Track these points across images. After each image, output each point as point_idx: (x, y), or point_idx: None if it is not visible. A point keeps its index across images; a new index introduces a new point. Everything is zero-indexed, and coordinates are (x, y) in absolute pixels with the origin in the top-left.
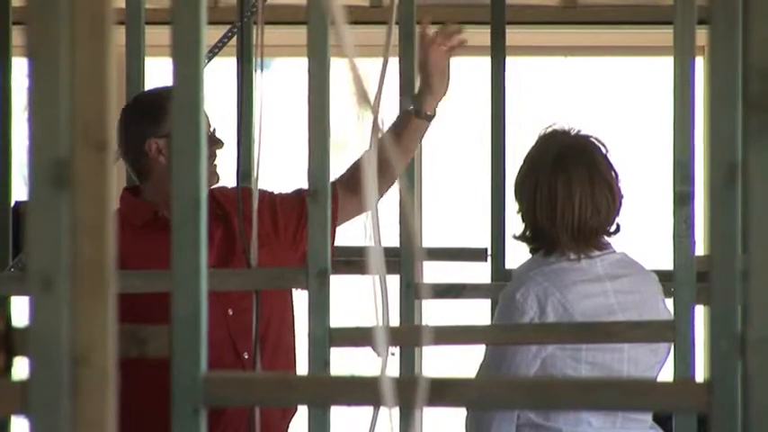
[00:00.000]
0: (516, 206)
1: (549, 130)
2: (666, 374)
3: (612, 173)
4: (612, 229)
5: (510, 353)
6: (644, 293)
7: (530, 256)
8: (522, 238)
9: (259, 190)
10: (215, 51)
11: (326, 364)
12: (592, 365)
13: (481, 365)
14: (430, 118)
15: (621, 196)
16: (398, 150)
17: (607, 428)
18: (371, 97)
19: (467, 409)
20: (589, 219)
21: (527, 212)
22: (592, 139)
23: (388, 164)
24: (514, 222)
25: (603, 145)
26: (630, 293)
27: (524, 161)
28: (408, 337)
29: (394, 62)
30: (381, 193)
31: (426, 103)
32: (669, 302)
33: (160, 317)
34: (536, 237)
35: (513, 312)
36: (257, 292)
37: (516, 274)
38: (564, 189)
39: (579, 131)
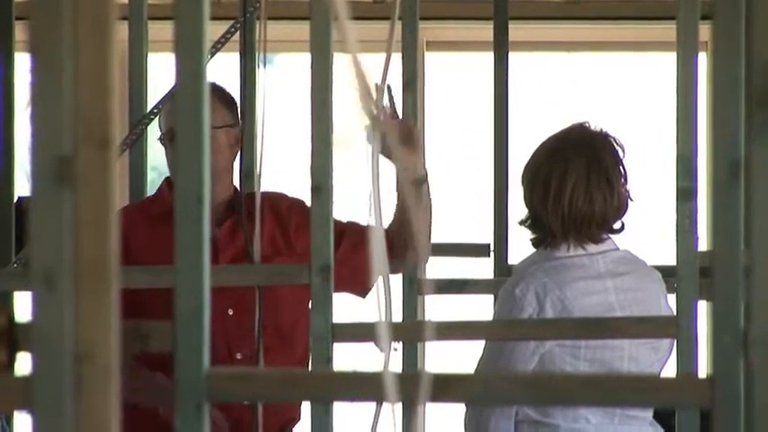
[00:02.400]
0: (525, 196)
1: (574, 124)
2: (669, 370)
3: (619, 172)
4: (616, 226)
5: (508, 349)
6: (645, 291)
7: (531, 251)
8: (524, 223)
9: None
10: (218, 47)
11: (329, 359)
12: (591, 363)
13: (479, 361)
14: (421, 181)
15: (626, 197)
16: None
17: (605, 425)
18: (374, 93)
19: (465, 406)
20: (580, 207)
21: (526, 197)
22: (609, 138)
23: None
24: (518, 215)
25: (621, 147)
26: (631, 291)
27: (530, 159)
28: (411, 332)
29: (397, 58)
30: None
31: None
32: (671, 299)
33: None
34: (533, 223)
35: (512, 308)
36: (260, 288)
37: (516, 270)
38: (559, 175)
39: (601, 129)
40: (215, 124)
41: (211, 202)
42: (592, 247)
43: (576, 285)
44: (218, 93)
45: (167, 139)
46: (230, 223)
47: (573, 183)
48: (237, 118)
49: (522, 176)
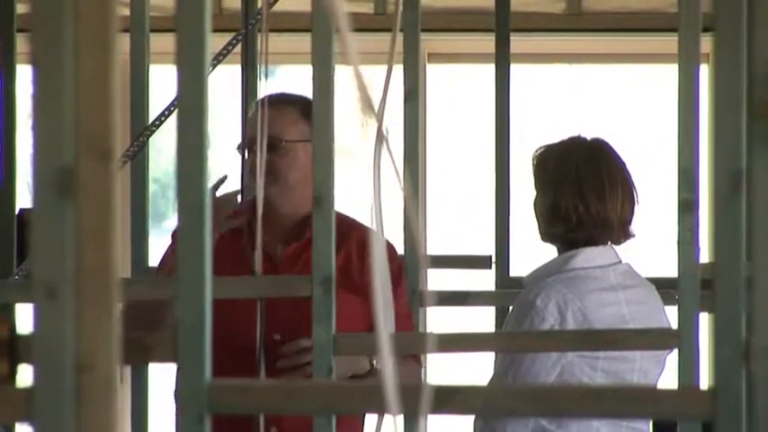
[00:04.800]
0: (549, 201)
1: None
2: (670, 382)
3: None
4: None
5: (528, 360)
6: (649, 304)
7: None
8: (563, 233)
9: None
10: (220, 59)
11: (330, 371)
12: (607, 374)
13: (496, 373)
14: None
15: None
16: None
17: None
18: (376, 104)
19: (476, 417)
20: (627, 201)
21: (572, 201)
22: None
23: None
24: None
25: None
26: (640, 304)
27: (550, 162)
28: (412, 344)
29: (398, 70)
30: None
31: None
32: (673, 311)
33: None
34: (582, 225)
35: (533, 318)
36: (261, 300)
37: (530, 281)
38: (608, 171)
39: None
40: (292, 137)
41: (282, 218)
42: (604, 259)
43: (592, 297)
44: (299, 105)
45: (245, 147)
46: (298, 244)
47: (620, 178)
48: None
49: (554, 184)
